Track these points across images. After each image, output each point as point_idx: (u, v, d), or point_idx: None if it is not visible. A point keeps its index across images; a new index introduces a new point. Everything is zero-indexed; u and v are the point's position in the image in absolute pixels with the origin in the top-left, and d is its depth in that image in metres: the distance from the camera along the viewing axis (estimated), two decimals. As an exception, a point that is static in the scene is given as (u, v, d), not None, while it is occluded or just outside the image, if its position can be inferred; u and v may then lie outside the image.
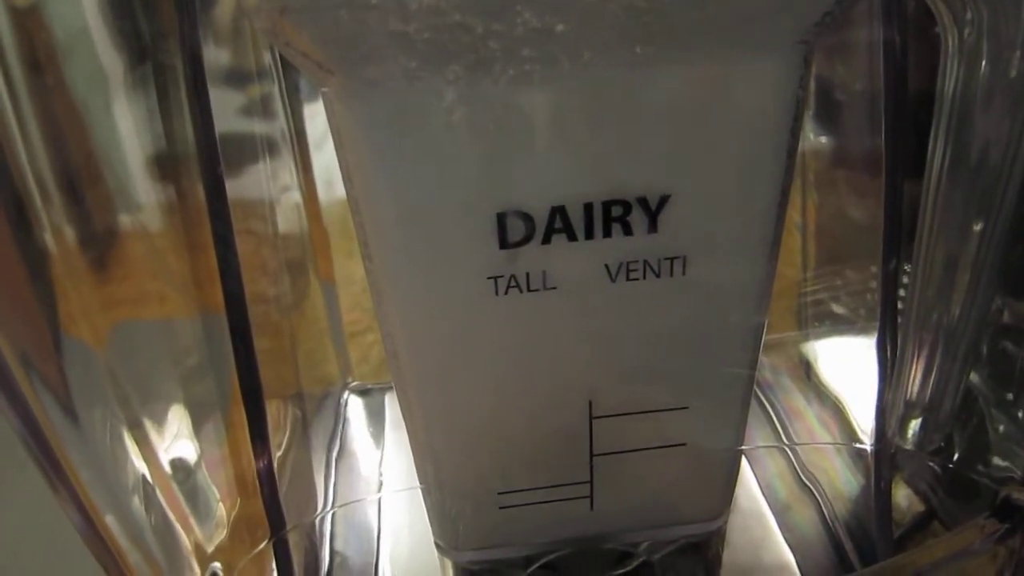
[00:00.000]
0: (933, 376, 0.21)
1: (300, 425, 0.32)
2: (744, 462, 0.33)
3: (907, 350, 0.21)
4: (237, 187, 0.27)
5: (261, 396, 0.27)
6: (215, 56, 0.25)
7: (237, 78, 0.28)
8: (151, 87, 0.23)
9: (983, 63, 0.17)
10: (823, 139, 0.42)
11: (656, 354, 0.22)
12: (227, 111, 0.27)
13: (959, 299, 0.19)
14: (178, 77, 0.23)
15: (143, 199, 0.24)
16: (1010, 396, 0.22)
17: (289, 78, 0.32)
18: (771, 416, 0.34)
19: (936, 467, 0.25)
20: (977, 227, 0.19)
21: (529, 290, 0.20)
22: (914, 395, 0.22)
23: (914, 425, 0.23)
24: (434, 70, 0.17)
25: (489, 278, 0.20)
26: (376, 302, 0.21)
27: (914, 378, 0.22)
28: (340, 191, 0.20)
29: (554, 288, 0.20)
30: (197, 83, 0.23)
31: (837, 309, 0.42)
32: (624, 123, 0.18)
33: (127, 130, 0.22)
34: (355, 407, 0.39)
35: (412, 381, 0.22)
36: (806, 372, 0.36)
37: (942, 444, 0.24)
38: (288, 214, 0.35)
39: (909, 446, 0.23)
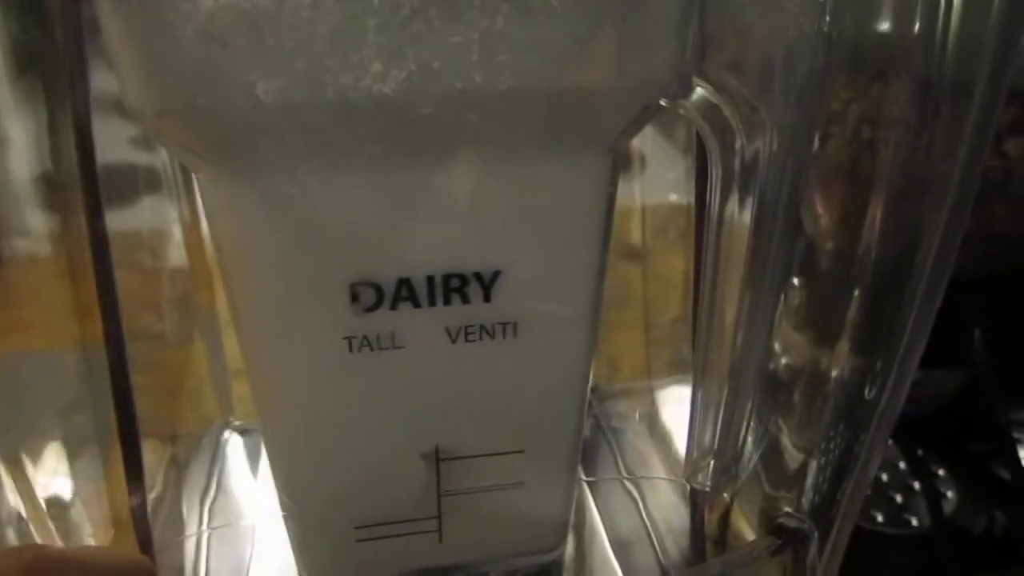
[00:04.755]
0: (719, 424, 0.25)
1: (175, 464, 0.34)
2: (588, 497, 0.36)
3: (697, 400, 0.25)
4: (123, 218, 0.27)
5: (137, 433, 0.28)
6: (105, 83, 0.23)
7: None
8: (40, 104, 0.23)
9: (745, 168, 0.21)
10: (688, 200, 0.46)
11: (493, 405, 0.25)
12: (116, 140, 0.27)
13: (735, 354, 0.23)
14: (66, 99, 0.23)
15: (27, 224, 0.25)
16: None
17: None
18: (615, 456, 0.38)
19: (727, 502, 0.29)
20: (748, 281, 0.22)
21: (380, 349, 0.23)
22: (705, 441, 0.26)
23: (708, 467, 0.27)
24: (295, 162, 0.20)
25: (344, 338, 0.23)
26: (243, 353, 0.24)
27: (706, 426, 0.25)
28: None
29: (401, 347, 0.23)
30: (80, 109, 0.23)
31: (686, 357, 0.46)
32: (459, 211, 0.22)
33: (13, 144, 0.23)
34: (235, 446, 0.41)
35: (275, 425, 0.25)
36: (649, 418, 0.40)
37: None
38: (175, 248, 0.37)
39: (707, 485, 0.27)
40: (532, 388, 0.25)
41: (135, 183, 0.32)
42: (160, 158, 0.34)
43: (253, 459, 0.40)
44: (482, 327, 0.23)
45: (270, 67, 0.18)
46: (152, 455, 0.32)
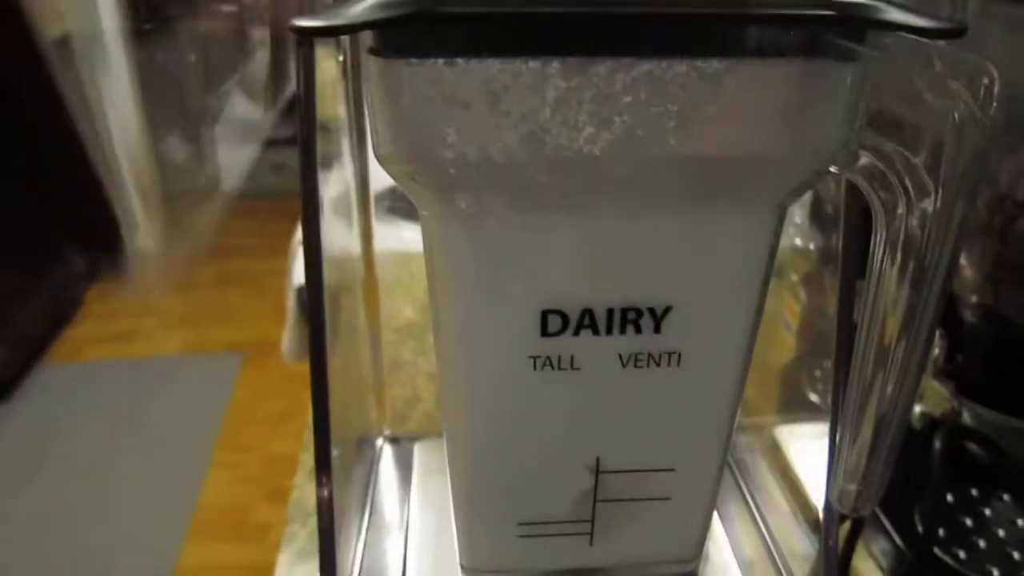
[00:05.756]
0: (865, 455, 0.27)
1: (342, 465, 0.38)
2: (717, 520, 0.39)
3: (845, 434, 0.27)
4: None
5: (328, 429, 0.32)
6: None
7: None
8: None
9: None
10: (811, 246, 0.48)
11: (653, 425, 0.28)
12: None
13: (888, 392, 0.25)
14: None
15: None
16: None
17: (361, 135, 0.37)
18: (739, 485, 0.40)
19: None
20: (902, 330, 0.25)
21: (559, 369, 0.26)
22: (850, 471, 0.28)
23: (850, 493, 0.29)
24: (508, 207, 0.24)
25: (530, 357, 0.26)
26: (439, 364, 0.27)
27: (851, 457, 0.27)
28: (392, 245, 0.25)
29: (578, 369, 0.26)
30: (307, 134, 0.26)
31: (812, 397, 0.48)
32: (640, 254, 0.25)
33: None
34: (387, 454, 0.45)
35: (462, 431, 0.28)
36: (770, 451, 0.42)
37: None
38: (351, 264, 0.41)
39: (846, 511, 0.29)
40: (688, 413, 0.28)
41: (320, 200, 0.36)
42: (344, 179, 0.38)
43: (403, 467, 0.43)
44: (650, 355, 0.26)
45: (503, 128, 0.22)
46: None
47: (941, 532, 0.46)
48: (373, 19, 0.20)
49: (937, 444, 0.47)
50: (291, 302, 0.82)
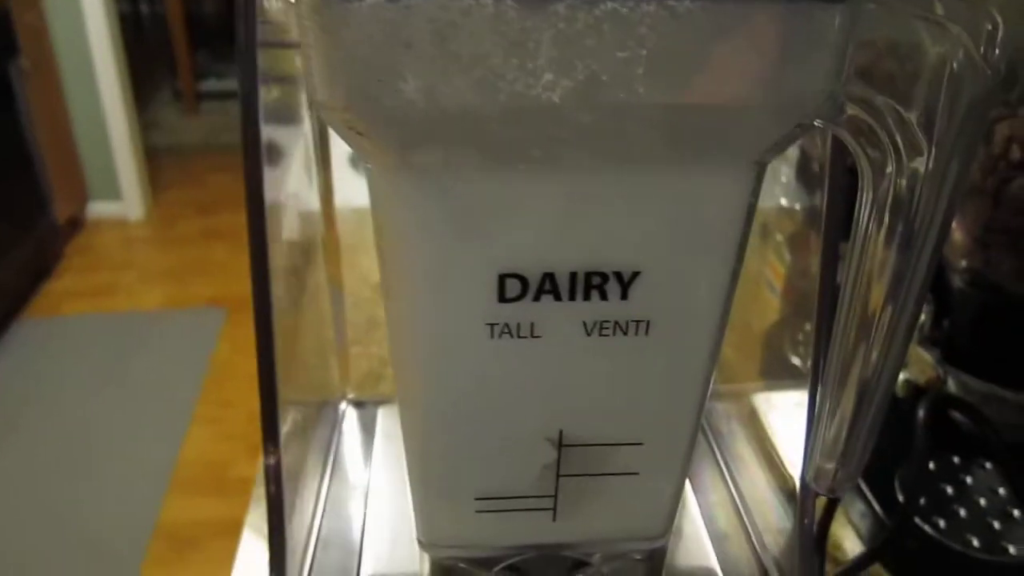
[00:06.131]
0: (845, 431, 0.25)
1: (299, 429, 0.36)
2: (690, 492, 0.37)
3: (824, 406, 0.25)
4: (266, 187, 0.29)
5: (275, 398, 0.31)
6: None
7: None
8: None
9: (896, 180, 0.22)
10: (796, 206, 0.46)
11: (619, 397, 0.26)
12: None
13: (871, 362, 0.23)
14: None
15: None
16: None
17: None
18: (715, 454, 0.39)
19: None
20: (889, 297, 0.23)
21: (519, 336, 0.24)
22: (828, 447, 0.26)
23: (828, 472, 0.27)
24: (461, 160, 0.22)
25: (487, 324, 0.24)
26: (389, 329, 0.25)
27: (830, 432, 0.26)
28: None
29: (539, 337, 0.24)
30: (248, 87, 0.25)
31: (794, 360, 0.46)
32: (606, 214, 0.23)
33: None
34: (351, 418, 0.43)
35: (416, 401, 0.26)
36: (748, 419, 0.41)
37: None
38: (310, 221, 0.39)
39: (833, 490, 0.28)
40: (658, 385, 0.26)
41: (278, 155, 0.34)
42: (302, 133, 0.36)
43: (368, 431, 0.42)
44: (617, 323, 0.25)
45: (451, 73, 0.19)
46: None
47: (922, 501, 0.45)
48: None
49: (921, 412, 0.45)
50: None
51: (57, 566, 1.37)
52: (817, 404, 0.27)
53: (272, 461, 0.31)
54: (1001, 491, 0.51)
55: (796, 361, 0.46)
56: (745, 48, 0.20)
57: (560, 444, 0.27)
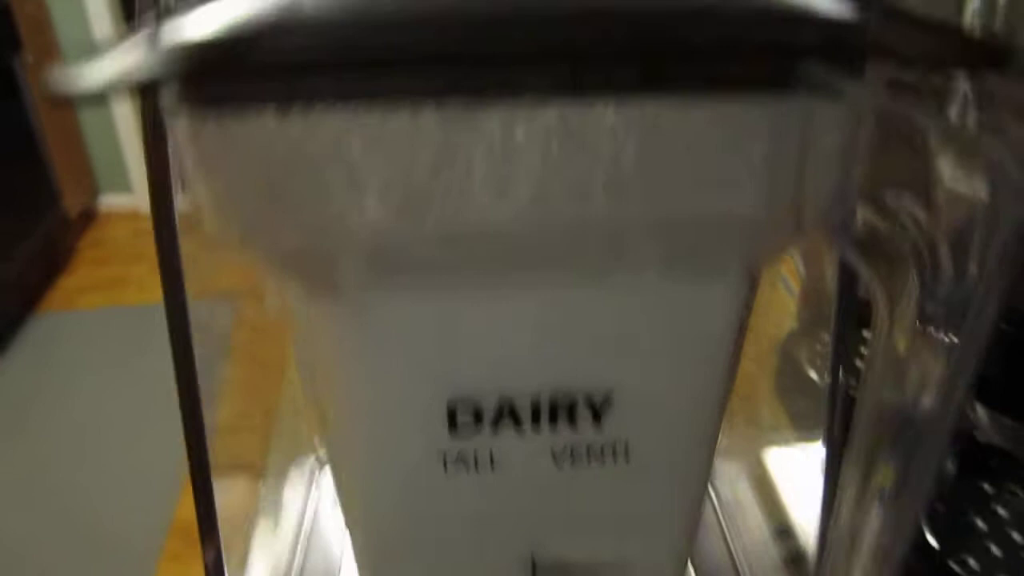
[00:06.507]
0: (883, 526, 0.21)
1: (267, 495, 0.33)
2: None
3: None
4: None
5: (211, 490, 0.27)
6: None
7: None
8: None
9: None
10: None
11: (598, 525, 0.23)
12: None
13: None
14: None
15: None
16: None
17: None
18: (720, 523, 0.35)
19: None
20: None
21: (476, 470, 0.21)
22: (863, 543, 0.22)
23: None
24: (391, 283, 0.18)
25: (439, 454, 0.21)
26: (331, 464, 0.22)
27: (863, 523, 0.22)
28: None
29: (501, 469, 0.21)
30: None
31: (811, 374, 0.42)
32: (568, 332, 0.19)
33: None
34: (327, 477, 0.40)
35: (364, 533, 0.23)
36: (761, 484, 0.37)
37: None
38: None
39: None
40: (642, 509, 0.23)
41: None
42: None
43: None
44: (590, 449, 0.21)
45: (366, 200, 0.16)
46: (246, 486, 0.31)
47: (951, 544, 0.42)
48: (150, 74, 0.14)
49: (951, 463, 0.42)
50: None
51: (73, 560, 1.37)
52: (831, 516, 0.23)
53: (212, 556, 0.28)
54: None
55: (812, 374, 0.42)
56: (721, 151, 0.16)
57: (534, 568, 0.24)
